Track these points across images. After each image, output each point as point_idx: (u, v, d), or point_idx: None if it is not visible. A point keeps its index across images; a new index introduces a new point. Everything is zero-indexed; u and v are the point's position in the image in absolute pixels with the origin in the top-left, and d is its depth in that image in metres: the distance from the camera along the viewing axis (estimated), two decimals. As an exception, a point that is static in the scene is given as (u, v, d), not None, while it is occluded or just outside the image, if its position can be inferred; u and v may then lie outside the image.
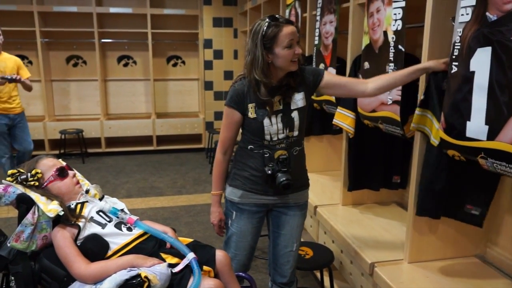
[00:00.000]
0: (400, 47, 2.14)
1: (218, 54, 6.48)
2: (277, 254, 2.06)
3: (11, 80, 4.04)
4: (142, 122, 6.34)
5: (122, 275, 1.44)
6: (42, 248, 1.58)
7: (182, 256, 1.60)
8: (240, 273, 1.89)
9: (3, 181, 1.61)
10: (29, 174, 1.61)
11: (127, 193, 4.78)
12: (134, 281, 1.44)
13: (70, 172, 1.71)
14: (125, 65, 6.59)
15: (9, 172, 1.62)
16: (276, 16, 1.78)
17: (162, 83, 6.71)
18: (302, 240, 2.86)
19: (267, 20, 1.76)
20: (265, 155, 1.88)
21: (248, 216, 1.99)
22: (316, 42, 3.20)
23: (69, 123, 6.18)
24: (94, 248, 1.55)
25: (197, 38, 6.56)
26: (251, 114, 1.86)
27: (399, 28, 2.13)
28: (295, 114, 1.88)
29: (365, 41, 2.46)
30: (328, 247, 2.52)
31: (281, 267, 2.06)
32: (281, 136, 1.87)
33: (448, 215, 1.99)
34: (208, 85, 6.55)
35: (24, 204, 1.56)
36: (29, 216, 1.52)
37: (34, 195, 1.57)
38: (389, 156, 2.74)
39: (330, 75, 1.96)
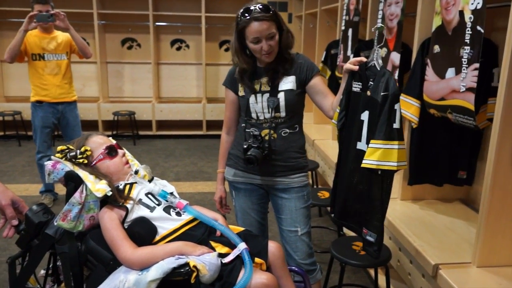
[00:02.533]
0: (479, 28, 1.91)
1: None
2: (285, 241, 2.06)
3: (49, 18, 3.39)
4: (193, 107, 6.34)
5: (170, 263, 1.36)
6: (89, 229, 1.53)
7: (232, 246, 1.50)
8: (293, 267, 1.77)
9: (52, 157, 1.57)
10: (78, 151, 1.57)
11: (176, 176, 4.79)
12: (182, 270, 1.36)
13: (120, 151, 1.65)
14: (178, 48, 6.60)
15: (59, 148, 1.58)
16: (251, 8, 1.77)
17: (214, 67, 6.67)
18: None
19: (239, 12, 1.79)
20: (252, 133, 1.96)
21: (246, 194, 2.09)
22: (379, 25, 2.97)
23: (122, 105, 6.27)
24: (142, 232, 1.48)
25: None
26: (241, 92, 2.00)
27: (479, 6, 1.90)
28: (281, 95, 1.92)
29: (436, 22, 2.24)
30: (385, 244, 2.35)
31: (292, 254, 2.04)
32: (267, 115, 1.94)
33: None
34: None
35: (72, 182, 1.51)
36: (76, 195, 1.47)
37: (82, 173, 1.52)
38: (456, 149, 2.51)
39: (320, 79, 1.98)
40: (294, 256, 2.04)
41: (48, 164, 1.54)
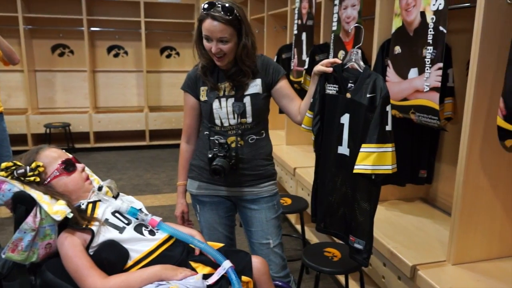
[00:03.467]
0: (441, 28, 1.93)
1: (214, 45, 6.21)
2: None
3: None
4: (134, 116, 6.04)
5: None
6: (45, 259, 1.31)
7: (215, 265, 1.36)
8: (278, 282, 1.65)
9: None
10: (28, 167, 1.34)
11: (121, 191, 4.46)
12: (165, 298, 1.20)
13: (79, 166, 1.45)
14: (116, 55, 6.27)
15: (3, 165, 1.34)
16: (215, 3, 1.66)
17: (155, 75, 6.42)
18: (327, 241, 2.67)
19: (202, 7, 1.68)
20: (217, 141, 1.84)
21: (212, 208, 1.95)
22: (335, 28, 2.96)
23: (54, 117, 5.82)
24: (111, 258, 1.29)
25: (193, 27, 6.28)
26: (203, 97, 1.86)
27: (441, 7, 1.92)
28: (247, 100, 1.82)
29: (397, 23, 2.24)
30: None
31: None
32: (232, 122, 1.83)
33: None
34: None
35: (22, 205, 1.28)
36: (29, 219, 1.25)
37: (35, 194, 1.30)
38: (416, 149, 2.55)
39: (286, 82, 1.90)
40: None
41: None
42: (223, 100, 1.82)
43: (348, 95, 1.65)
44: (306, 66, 3.34)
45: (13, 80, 5.82)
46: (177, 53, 6.48)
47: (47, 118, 5.76)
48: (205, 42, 1.72)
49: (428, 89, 2.03)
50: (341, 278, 2.60)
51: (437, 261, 1.93)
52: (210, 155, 1.81)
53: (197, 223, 2.06)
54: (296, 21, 3.68)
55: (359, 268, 2.07)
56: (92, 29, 5.98)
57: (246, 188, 1.92)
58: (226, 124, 1.84)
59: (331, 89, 1.74)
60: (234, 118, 1.83)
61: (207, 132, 1.90)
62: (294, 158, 3.65)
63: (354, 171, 1.56)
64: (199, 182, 1.94)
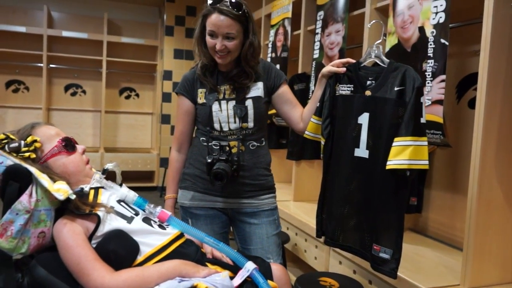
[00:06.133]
0: (443, 41, 1.94)
1: (178, 87, 6.13)
2: None
3: None
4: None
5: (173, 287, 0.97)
6: (35, 253, 1.06)
7: (233, 268, 1.17)
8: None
9: None
10: (22, 142, 1.12)
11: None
12: (191, 296, 0.98)
13: (79, 147, 1.24)
14: (73, 94, 5.99)
15: None
16: None
17: (113, 115, 6.16)
18: (321, 271, 2.48)
19: (207, 2, 1.60)
20: (219, 145, 1.69)
21: (206, 222, 1.75)
22: (316, 55, 2.97)
23: (2, 155, 5.35)
24: (120, 251, 1.06)
25: (155, 69, 6.19)
26: (200, 99, 1.73)
27: (442, 20, 1.95)
28: (249, 103, 1.71)
29: (391, 42, 2.25)
30: (353, 278, 2.14)
31: None
32: (233, 126, 1.70)
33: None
34: (165, 119, 6.09)
35: (15, 182, 1.04)
36: (23, 198, 1.01)
37: (32, 168, 1.07)
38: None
39: (288, 88, 1.81)
40: None
41: None
42: (223, 102, 1.70)
43: (368, 93, 1.58)
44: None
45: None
46: (137, 95, 6.31)
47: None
48: (208, 39, 1.62)
49: (430, 102, 2.01)
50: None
51: (451, 285, 1.82)
52: (209, 160, 1.65)
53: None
54: (269, 55, 3.71)
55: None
56: (52, 66, 5.71)
57: (245, 200, 1.76)
58: (226, 129, 1.71)
59: (345, 90, 1.66)
60: (235, 122, 1.70)
61: (204, 138, 1.74)
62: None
63: (387, 167, 1.45)
64: (193, 192, 1.76)
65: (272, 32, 3.69)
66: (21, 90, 5.74)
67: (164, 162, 6.02)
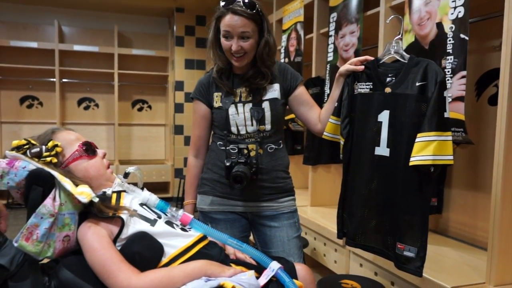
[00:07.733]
0: (462, 36, 1.91)
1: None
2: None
3: None
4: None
5: (199, 287, 0.94)
6: (60, 257, 1.05)
7: (257, 269, 1.15)
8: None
9: (6, 152, 1.09)
10: (44, 147, 1.12)
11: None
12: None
13: (99, 151, 1.23)
14: (86, 108, 6.04)
15: (15, 143, 1.12)
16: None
17: (126, 128, 6.19)
18: (341, 273, 2.44)
19: (219, 4, 1.59)
20: (238, 148, 1.68)
21: (227, 226, 1.73)
22: (331, 58, 2.95)
23: (18, 170, 5.38)
24: (145, 253, 1.05)
25: (166, 81, 6.21)
26: (216, 103, 1.71)
27: (461, 15, 1.92)
28: (266, 105, 1.69)
29: (408, 40, 2.23)
30: (375, 280, 2.09)
31: None
32: (250, 129, 1.69)
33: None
34: (178, 129, 6.10)
35: (39, 186, 1.03)
36: (47, 202, 1.00)
37: (55, 172, 1.06)
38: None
39: (305, 90, 1.79)
40: None
41: (1, 162, 1.05)
42: (239, 105, 1.69)
43: (388, 90, 1.55)
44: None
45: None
46: (149, 106, 6.34)
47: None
48: (223, 41, 1.61)
49: (450, 100, 1.97)
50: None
51: (476, 283, 1.77)
52: (228, 164, 1.64)
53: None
54: (282, 60, 3.69)
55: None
56: (64, 80, 5.77)
57: (265, 203, 1.73)
58: (243, 132, 1.69)
59: (363, 88, 1.63)
60: (252, 124, 1.69)
61: (221, 142, 1.73)
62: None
63: (410, 163, 1.41)
64: (212, 197, 1.74)
65: (284, 37, 3.68)
66: (35, 105, 5.80)
67: (178, 173, 6.02)
